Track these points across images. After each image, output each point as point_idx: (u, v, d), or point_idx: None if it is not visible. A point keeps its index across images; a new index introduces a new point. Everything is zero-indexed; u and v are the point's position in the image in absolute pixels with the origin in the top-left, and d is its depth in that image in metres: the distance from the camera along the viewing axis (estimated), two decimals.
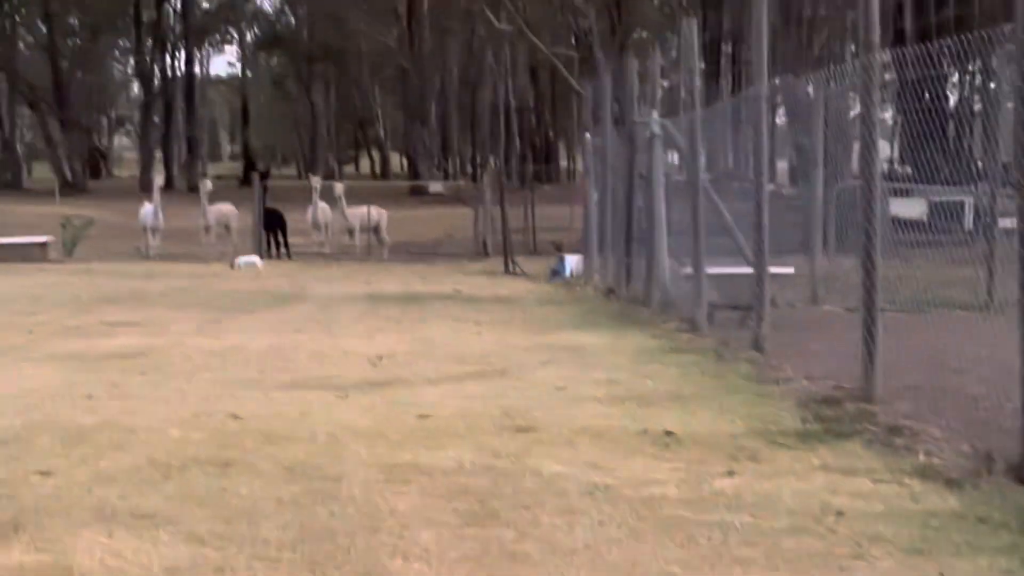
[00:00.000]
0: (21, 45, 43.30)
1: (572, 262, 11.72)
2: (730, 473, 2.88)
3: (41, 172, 44.10)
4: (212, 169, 50.53)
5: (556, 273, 11.87)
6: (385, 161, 51.25)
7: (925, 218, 5.71)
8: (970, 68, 11.75)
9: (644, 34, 33.84)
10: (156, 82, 44.18)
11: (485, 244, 16.04)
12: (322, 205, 16.17)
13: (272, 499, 2.58)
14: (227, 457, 3.09)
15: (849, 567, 1.99)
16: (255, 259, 13.25)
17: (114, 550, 2.14)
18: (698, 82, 6.87)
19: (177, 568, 2.07)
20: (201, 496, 2.62)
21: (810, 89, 6.08)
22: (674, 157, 8.21)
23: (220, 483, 2.76)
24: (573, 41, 29.04)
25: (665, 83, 10.80)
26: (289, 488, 2.70)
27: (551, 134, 44.24)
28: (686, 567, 2.00)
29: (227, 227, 16.42)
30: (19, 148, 45.87)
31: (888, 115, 8.40)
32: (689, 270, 6.27)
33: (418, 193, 29.74)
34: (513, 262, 13.10)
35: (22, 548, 2.21)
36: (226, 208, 16.57)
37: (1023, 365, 2.55)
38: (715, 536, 2.19)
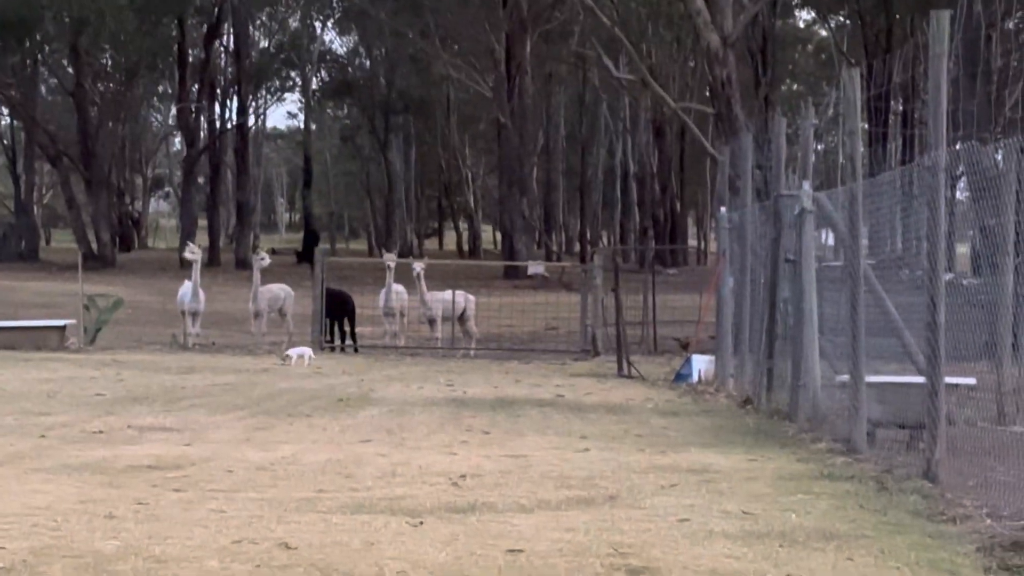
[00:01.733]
0: (43, 89, 45.22)
1: (701, 364, 12.44)
2: None
3: (62, 241, 45.64)
4: (266, 241, 52.45)
5: (681, 377, 12.60)
6: (475, 236, 52.93)
7: None
8: None
9: (795, 87, 34.49)
10: (202, 135, 46.62)
11: (595, 340, 16.55)
12: (397, 288, 17.11)
13: None
14: None
15: None
16: (306, 351, 14.05)
17: None
18: (861, 147, 7.18)
19: None
20: None
21: (999, 157, 6.35)
22: (829, 238, 8.50)
23: None
24: (707, 94, 29.77)
25: (820, 147, 11.16)
26: None
27: (678, 206, 44.80)
28: None
29: (281, 312, 17.43)
30: (36, 212, 46.81)
31: None
32: (846, 378, 6.53)
33: (514, 275, 30.74)
34: (628, 362, 13.60)
35: None
36: (281, 289, 17.56)
37: None
38: None
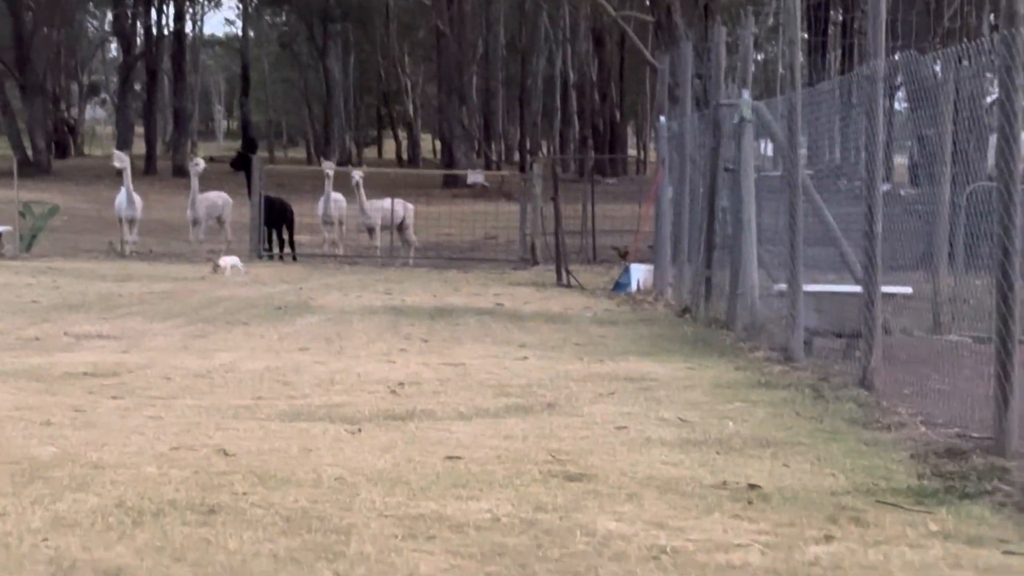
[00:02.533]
0: None
1: (640, 273, 12.59)
2: (828, 538, 2.98)
3: None
4: (204, 149, 51.49)
5: (620, 286, 12.70)
6: (414, 144, 52.34)
7: None
8: None
9: None
10: (139, 41, 45.67)
11: (534, 249, 16.52)
12: (336, 196, 16.83)
13: (266, 555, 2.63)
14: (213, 502, 3.15)
15: None
16: (234, 260, 13.66)
17: None
18: (800, 57, 7.09)
19: None
20: (179, 549, 2.66)
21: (938, 68, 6.30)
22: (768, 148, 8.48)
23: (203, 533, 2.80)
24: (647, 2, 29.35)
25: (759, 57, 10.97)
26: (286, 541, 2.75)
27: (618, 116, 44.47)
28: None
29: (220, 220, 17.15)
30: None
31: None
32: (784, 287, 6.59)
33: (453, 184, 30.51)
34: (567, 272, 13.69)
35: None
36: (219, 197, 17.29)
37: None
38: None
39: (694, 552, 2.80)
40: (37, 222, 16.92)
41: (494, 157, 46.51)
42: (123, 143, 37.56)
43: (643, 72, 38.63)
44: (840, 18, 30.27)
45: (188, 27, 47.51)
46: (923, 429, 4.62)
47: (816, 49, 25.81)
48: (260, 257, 15.68)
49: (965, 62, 5.57)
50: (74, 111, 63.42)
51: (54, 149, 43.14)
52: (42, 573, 2.47)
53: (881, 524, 3.15)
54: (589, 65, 41.58)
